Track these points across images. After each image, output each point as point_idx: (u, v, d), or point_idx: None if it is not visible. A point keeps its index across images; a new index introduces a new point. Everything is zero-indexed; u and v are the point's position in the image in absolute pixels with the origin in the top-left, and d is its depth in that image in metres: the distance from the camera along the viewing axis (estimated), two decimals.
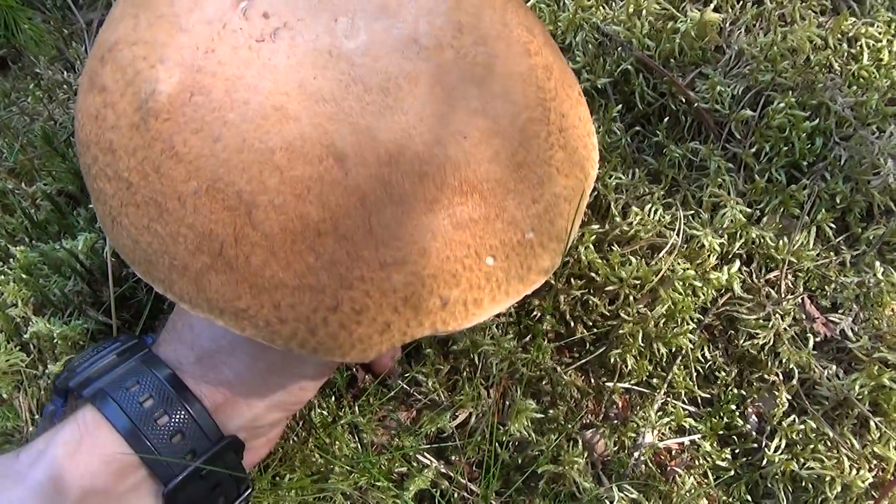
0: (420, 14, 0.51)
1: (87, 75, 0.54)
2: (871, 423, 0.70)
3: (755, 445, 0.72)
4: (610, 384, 0.74)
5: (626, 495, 0.71)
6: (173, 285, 0.49)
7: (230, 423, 0.60)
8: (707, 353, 0.74)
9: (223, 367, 0.60)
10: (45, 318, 0.76)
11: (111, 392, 0.56)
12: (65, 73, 0.96)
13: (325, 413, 0.74)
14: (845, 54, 0.76)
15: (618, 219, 0.74)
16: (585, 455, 0.73)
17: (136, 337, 0.65)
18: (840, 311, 0.73)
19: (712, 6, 0.77)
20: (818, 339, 0.72)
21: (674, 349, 0.73)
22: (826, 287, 0.74)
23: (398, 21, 0.50)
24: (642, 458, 0.73)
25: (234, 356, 0.60)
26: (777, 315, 0.72)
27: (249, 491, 0.63)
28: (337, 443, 0.72)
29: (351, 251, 0.47)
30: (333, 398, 0.75)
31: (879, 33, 0.76)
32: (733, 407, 0.73)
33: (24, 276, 0.77)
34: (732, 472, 0.72)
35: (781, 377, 0.72)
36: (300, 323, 0.47)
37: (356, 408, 0.74)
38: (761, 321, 0.72)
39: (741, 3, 0.79)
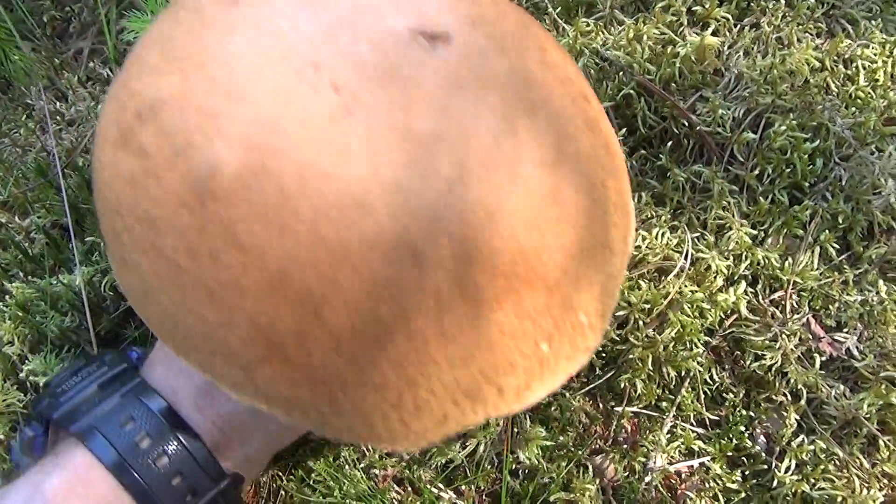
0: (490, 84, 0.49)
1: (114, 125, 0.48)
2: (880, 442, 0.70)
3: (765, 467, 0.72)
4: (618, 408, 0.74)
5: None
6: (215, 367, 0.45)
7: (226, 460, 0.57)
8: (714, 375, 0.74)
9: (222, 399, 0.56)
10: (42, 355, 0.74)
11: (103, 430, 0.52)
12: (57, 103, 0.94)
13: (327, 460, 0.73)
14: (842, 76, 0.77)
15: None
16: (596, 481, 0.72)
17: (122, 358, 0.60)
18: (845, 330, 0.74)
19: (710, 30, 0.78)
20: (824, 359, 0.73)
21: (682, 372, 0.73)
22: (830, 306, 0.74)
23: (474, 95, 0.47)
24: (653, 483, 0.72)
25: None
26: (783, 335, 0.72)
27: None
28: (345, 481, 0.71)
29: (420, 349, 0.44)
30: None
31: (875, 54, 0.77)
32: (742, 428, 0.73)
33: (20, 313, 0.75)
34: (743, 495, 0.72)
35: (789, 397, 0.73)
36: (358, 417, 0.45)
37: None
38: (768, 342, 0.72)
39: (739, 26, 0.80)
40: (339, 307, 0.43)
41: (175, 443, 0.53)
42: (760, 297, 0.74)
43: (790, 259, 0.74)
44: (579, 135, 0.51)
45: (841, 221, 0.74)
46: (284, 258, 0.42)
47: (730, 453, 0.73)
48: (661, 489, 0.73)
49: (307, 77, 0.46)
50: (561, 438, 0.74)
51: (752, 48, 0.78)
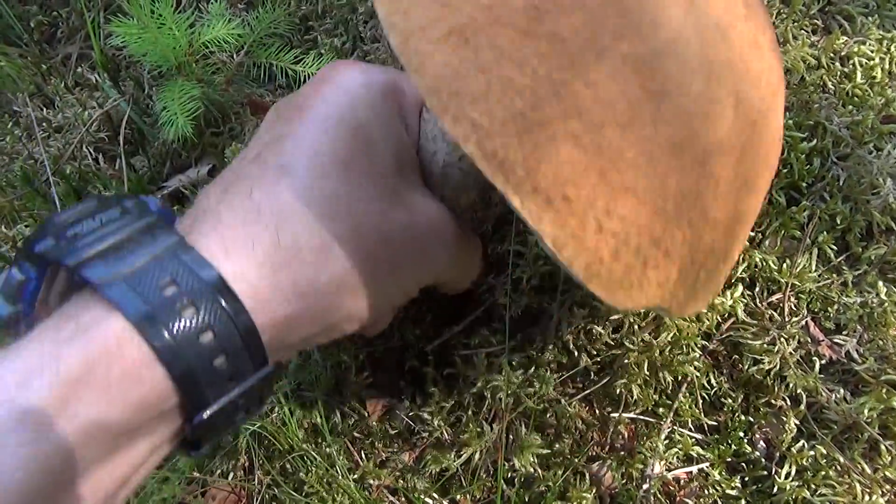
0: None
1: None
2: (882, 447, 0.69)
3: (765, 472, 0.71)
4: (615, 414, 0.73)
5: None
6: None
7: (282, 342, 0.48)
8: (713, 380, 0.73)
9: (307, 270, 0.47)
10: None
11: (143, 292, 0.42)
12: (44, 109, 0.93)
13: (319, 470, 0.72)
14: (839, 73, 0.76)
15: None
16: (593, 489, 0.71)
17: (145, 207, 0.48)
18: (844, 333, 0.72)
19: None
20: (824, 362, 0.71)
21: (679, 377, 0.72)
22: (829, 308, 0.73)
23: None
24: (651, 490, 0.71)
25: (329, 255, 0.47)
26: (782, 339, 0.71)
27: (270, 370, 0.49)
28: (339, 492, 0.70)
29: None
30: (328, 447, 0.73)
31: (871, 51, 0.76)
32: (741, 434, 0.71)
33: None
34: (743, 501, 0.71)
35: (788, 402, 0.71)
36: (628, 251, 0.43)
37: (359, 452, 0.72)
38: (766, 346, 0.71)
39: None
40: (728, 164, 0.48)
41: (222, 316, 0.43)
42: (758, 300, 0.73)
43: (788, 261, 0.72)
44: None
45: (839, 222, 0.73)
46: None
47: (729, 459, 0.72)
48: (660, 496, 0.71)
49: None
50: (557, 446, 0.72)
51: None
